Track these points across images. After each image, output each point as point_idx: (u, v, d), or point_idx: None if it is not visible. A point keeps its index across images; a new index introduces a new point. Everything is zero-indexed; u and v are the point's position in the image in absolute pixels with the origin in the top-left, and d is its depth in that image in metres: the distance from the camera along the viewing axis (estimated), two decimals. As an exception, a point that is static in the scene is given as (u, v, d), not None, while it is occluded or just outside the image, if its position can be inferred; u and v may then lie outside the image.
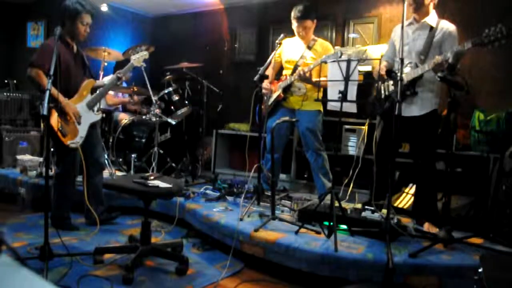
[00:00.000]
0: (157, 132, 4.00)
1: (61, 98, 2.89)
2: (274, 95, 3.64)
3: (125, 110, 5.00)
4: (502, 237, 2.56)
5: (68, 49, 3.05)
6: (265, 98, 3.64)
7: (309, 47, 3.56)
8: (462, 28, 3.46)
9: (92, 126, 3.13)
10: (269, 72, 3.62)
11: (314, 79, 3.41)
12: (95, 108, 3.16)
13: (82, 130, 3.03)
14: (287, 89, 3.58)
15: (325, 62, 3.13)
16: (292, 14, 3.51)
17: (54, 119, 2.85)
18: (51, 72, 2.30)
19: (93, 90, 3.16)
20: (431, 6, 2.90)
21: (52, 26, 5.52)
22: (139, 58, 3.30)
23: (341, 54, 3.03)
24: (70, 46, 3.07)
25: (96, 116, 3.16)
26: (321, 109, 3.59)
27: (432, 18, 2.89)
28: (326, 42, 3.66)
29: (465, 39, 2.52)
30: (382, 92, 3.06)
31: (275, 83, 3.69)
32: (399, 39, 2.93)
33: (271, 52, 3.51)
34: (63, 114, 2.92)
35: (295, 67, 3.54)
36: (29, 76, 2.88)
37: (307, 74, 3.35)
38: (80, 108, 3.03)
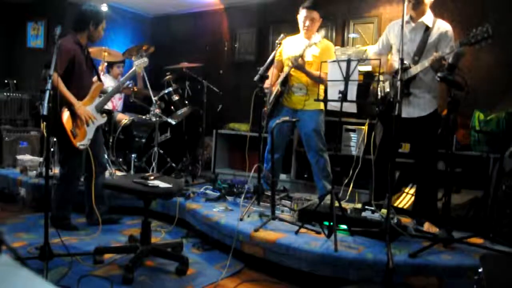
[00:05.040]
0: (157, 132, 4.00)
1: (74, 101, 2.91)
2: (274, 92, 3.63)
3: (125, 107, 5.00)
4: (502, 237, 2.56)
5: (82, 51, 3.07)
6: (266, 98, 3.63)
7: (310, 44, 3.55)
8: (462, 28, 3.47)
9: (97, 128, 3.16)
10: (273, 72, 3.60)
11: (314, 71, 3.39)
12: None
13: (90, 132, 3.07)
14: (287, 89, 3.57)
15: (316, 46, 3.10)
16: (301, 6, 3.50)
17: (68, 120, 2.88)
18: (51, 72, 2.30)
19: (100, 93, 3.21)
20: (428, 5, 2.90)
21: (52, 26, 5.51)
22: (140, 64, 3.36)
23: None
24: (83, 47, 3.09)
25: (103, 119, 3.21)
26: (323, 108, 3.58)
27: (428, 17, 2.89)
28: (326, 40, 3.65)
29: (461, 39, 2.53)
30: (379, 93, 3.05)
31: (276, 84, 3.67)
32: (397, 38, 2.94)
33: (271, 52, 3.51)
34: (75, 115, 2.94)
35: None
36: (45, 78, 2.89)
37: (299, 61, 3.34)
38: (90, 111, 3.06)
